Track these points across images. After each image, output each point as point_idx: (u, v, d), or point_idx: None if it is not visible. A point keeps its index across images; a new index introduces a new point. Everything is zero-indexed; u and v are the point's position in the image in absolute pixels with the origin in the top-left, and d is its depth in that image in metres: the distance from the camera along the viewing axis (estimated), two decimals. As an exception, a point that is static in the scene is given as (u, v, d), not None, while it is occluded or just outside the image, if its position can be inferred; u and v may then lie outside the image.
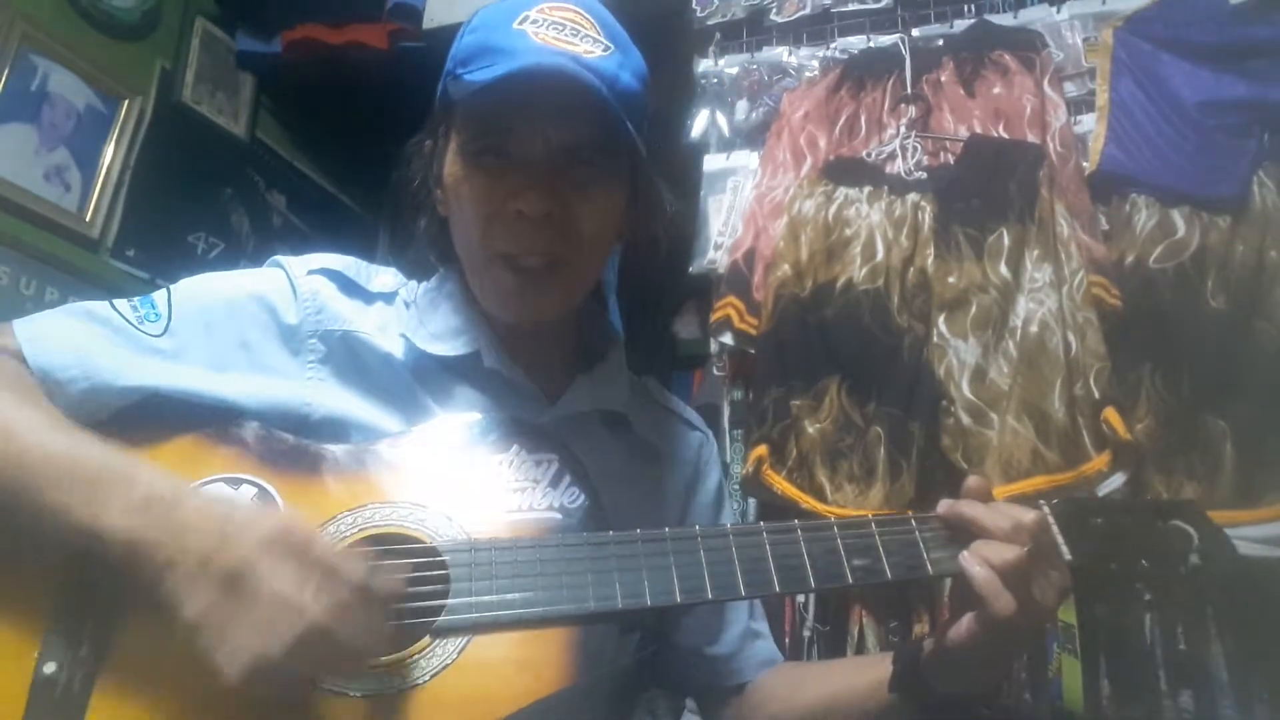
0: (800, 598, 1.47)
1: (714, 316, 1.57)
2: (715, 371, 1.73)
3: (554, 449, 0.79)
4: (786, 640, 1.48)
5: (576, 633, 0.71)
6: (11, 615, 0.67)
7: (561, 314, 0.90)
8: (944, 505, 0.82)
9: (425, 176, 0.90)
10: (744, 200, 1.73)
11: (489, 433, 0.80)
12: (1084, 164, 1.51)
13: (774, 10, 1.88)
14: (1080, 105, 1.61)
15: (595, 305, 1.01)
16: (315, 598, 0.60)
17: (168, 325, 0.80)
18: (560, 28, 0.81)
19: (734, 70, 1.87)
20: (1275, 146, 1.41)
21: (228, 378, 0.79)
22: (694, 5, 1.95)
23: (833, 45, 1.82)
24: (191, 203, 2.66)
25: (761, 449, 1.41)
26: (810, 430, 1.40)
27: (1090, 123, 1.55)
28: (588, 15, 0.83)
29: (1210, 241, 1.36)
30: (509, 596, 0.71)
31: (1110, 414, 1.25)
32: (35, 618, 0.67)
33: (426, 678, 0.68)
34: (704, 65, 1.90)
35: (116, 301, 0.81)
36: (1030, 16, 1.69)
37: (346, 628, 0.60)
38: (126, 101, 2.43)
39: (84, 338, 0.77)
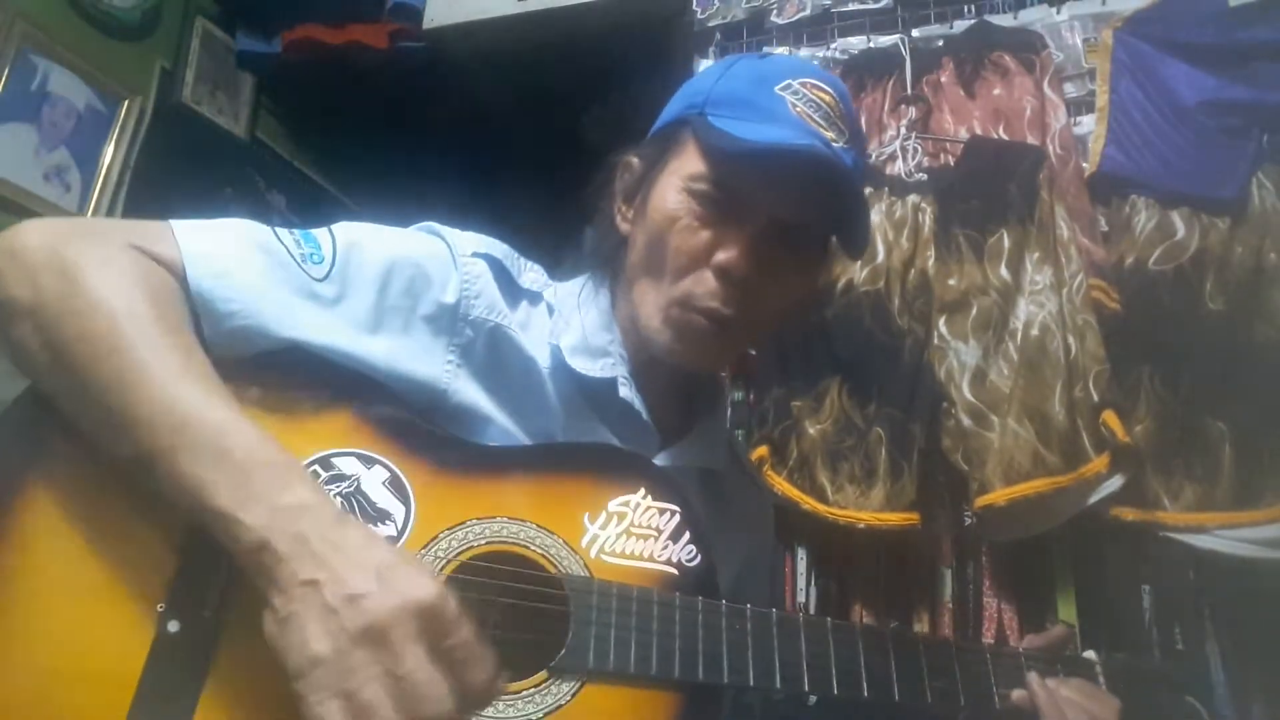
0: (801, 596, 1.48)
1: (715, 317, 1.57)
2: (716, 372, 1.74)
3: (677, 500, 0.80)
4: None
5: (684, 697, 0.73)
6: (138, 571, 0.65)
7: (717, 369, 0.92)
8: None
9: (615, 189, 0.93)
10: (744, 201, 1.73)
11: (622, 468, 0.81)
12: (1084, 165, 1.51)
13: (774, 11, 1.89)
14: (1080, 106, 1.61)
15: None
16: (455, 688, 0.57)
17: (330, 270, 0.77)
18: (816, 106, 0.84)
19: (734, 71, 1.87)
20: (1275, 148, 1.42)
21: (376, 340, 0.77)
22: (694, 6, 1.96)
23: (833, 46, 1.83)
24: (191, 203, 2.66)
25: (762, 449, 1.41)
26: (811, 431, 1.40)
27: (1090, 124, 1.56)
28: (839, 102, 0.86)
29: (1209, 243, 1.36)
30: (626, 648, 0.72)
31: (1109, 416, 1.25)
32: (162, 575, 0.65)
33: (540, 715, 0.69)
34: (704, 65, 1.90)
35: (280, 230, 0.77)
36: (1030, 17, 1.70)
37: None
38: (126, 101, 2.43)
39: (251, 269, 0.73)
